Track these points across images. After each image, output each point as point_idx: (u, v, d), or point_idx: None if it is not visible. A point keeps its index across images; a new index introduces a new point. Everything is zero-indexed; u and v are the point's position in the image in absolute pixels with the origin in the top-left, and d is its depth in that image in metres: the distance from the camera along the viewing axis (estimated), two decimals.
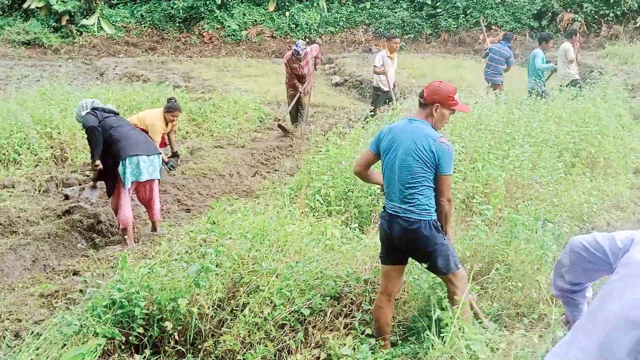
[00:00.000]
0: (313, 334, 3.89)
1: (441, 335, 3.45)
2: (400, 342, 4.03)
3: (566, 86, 10.61)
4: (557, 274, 2.48)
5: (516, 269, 4.72)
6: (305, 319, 3.95)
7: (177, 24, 23.73)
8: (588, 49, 21.51)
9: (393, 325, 4.05)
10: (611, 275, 2.17)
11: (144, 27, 23.85)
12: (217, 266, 4.16)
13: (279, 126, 11.06)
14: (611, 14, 23.09)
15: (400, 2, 24.94)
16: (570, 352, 2.11)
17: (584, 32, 22.97)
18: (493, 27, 23.67)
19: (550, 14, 23.90)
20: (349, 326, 3.89)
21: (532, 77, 11.38)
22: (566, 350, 2.14)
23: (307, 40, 22.97)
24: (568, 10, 23.73)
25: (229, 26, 23.51)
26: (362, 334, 3.80)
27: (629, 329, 1.93)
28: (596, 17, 23.46)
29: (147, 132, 7.09)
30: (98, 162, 6.33)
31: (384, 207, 4.02)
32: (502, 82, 11.87)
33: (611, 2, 23.08)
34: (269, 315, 3.82)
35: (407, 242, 3.84)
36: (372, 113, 10.07)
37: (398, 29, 24.08)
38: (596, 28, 23.23)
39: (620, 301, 2.01)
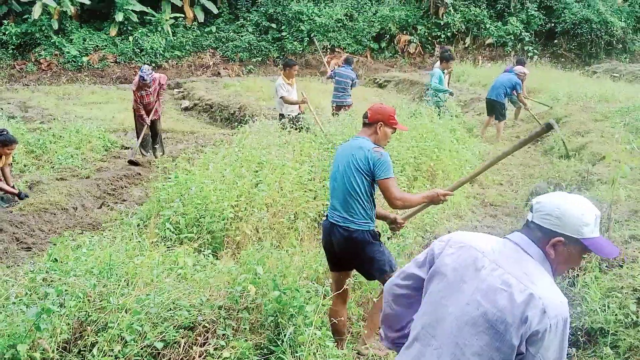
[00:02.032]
0: None
1: (296, 354, 3.50)
2: None
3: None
4: (385, 326, 2.54)
5: (367, 283, 4.91)
6: (159, 353, 3.82)
7: (11, 51, 22.34)
8: (424, 68, 22.97)
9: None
10: (432, 282, 2.26)
11: None
12: (60, 306, 3.92)
13: (130, 162, 10.56)
14: (443, 36, 24.88)
15: (246, 25, 25.20)
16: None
17: (419, 52, 24.53)
18: (337, 50, 24.60)
19: (388, 36, 25.29)
20: (204, 354, 3.82)
21: (430, 94, 11.94)
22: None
23: (154, 65, 22.52)
24: (404, 32, 25.25)
25: (68, 52, 22.47)
26: (218, 358, 3.74)
27: (472, 331, 2.05)
28: (429, 38, 25.15)
29: None
30: None
31: (325, 216, 4.40)
32: (351, 102, 12.53)
33: (442, 24, 24.86)
34: (119, 352, 3.65)
35: (346, 249, 4.21)
36: None
37: (246, 52, 24.33)
38: (430, 49, 24.90)
39: (454, 309, 2.12)
